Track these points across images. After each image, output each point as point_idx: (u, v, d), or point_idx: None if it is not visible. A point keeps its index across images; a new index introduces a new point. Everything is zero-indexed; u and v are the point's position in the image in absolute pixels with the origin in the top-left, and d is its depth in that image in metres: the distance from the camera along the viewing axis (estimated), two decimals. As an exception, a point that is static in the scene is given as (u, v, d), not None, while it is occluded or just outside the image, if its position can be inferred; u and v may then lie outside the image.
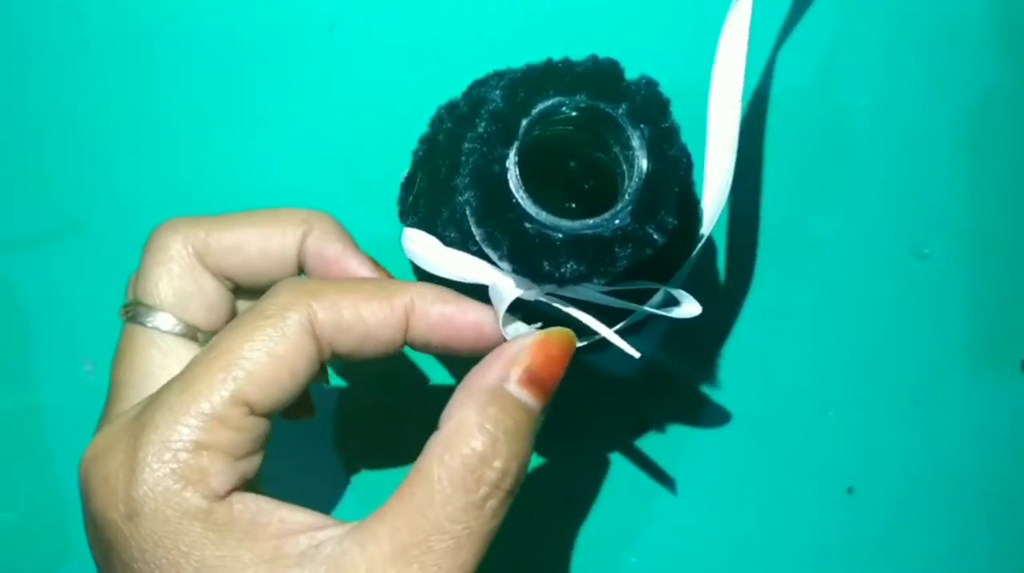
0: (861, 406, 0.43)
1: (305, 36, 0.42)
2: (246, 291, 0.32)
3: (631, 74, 0.28)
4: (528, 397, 0.27)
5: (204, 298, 0.31)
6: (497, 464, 0.26)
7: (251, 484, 0.28)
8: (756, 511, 0.43)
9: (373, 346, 0.29)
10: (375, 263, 0.31)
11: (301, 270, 0.32)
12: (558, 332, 0.28)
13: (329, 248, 0.31)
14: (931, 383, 0.44)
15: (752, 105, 0.42)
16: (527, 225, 0.26)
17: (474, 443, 0.26)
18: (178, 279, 0.30)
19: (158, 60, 0.42)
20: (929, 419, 0.44)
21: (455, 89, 0.32)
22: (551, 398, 0.28)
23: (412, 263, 0.32)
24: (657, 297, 0.31)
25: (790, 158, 0.43)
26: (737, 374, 0.43)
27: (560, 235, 0.26)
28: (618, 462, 0.43)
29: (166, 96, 0.42)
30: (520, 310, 0.29)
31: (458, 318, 0.29)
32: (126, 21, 0.42)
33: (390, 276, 0.32)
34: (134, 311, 0.31)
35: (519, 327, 0.29)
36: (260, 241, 0.31)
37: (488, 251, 0.27)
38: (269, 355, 0.27)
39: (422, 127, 0.33)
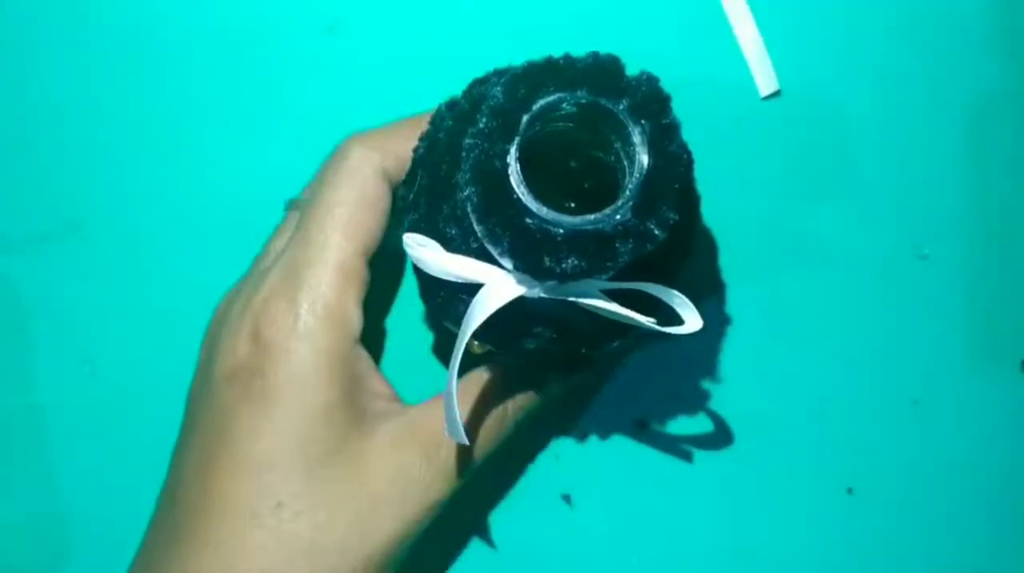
0: (861, 406, 0.43)
1: (305, 36, 0.42)
2: None
3: (632, 71, 0.28)
4: None
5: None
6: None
7: None
8: (756, 511, 0.43)
9: None
10: None
11: None
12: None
13: None
14: (931, 383, 0.43)
15: (752, 105, 0.42)
16: (528, 221, 0.26)
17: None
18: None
19: (158, 60, 0.42)
20: (929, 419, 0.44)
21: (455, 88, 0.32)
22: None
23: (413, 265, 0.32)
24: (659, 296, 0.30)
25: (790, 158, 0.43)
26: (737, 374, 0.43)
27: (561, 230, 0.26)
28: (618, 462, 0.43)
29: (166, 96, 0.42)
30: (522, 313, 0.29)
31: None
32: (126, 21, 0.42)
33: None
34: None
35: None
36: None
37: (489, 247, 0.27)
38: (366, 203, 0.33)
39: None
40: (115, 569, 0.35)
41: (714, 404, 0.43)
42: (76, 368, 0.42)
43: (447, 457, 0.32)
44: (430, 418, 0.33)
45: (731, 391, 0.43)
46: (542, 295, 0.28)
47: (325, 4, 0.41)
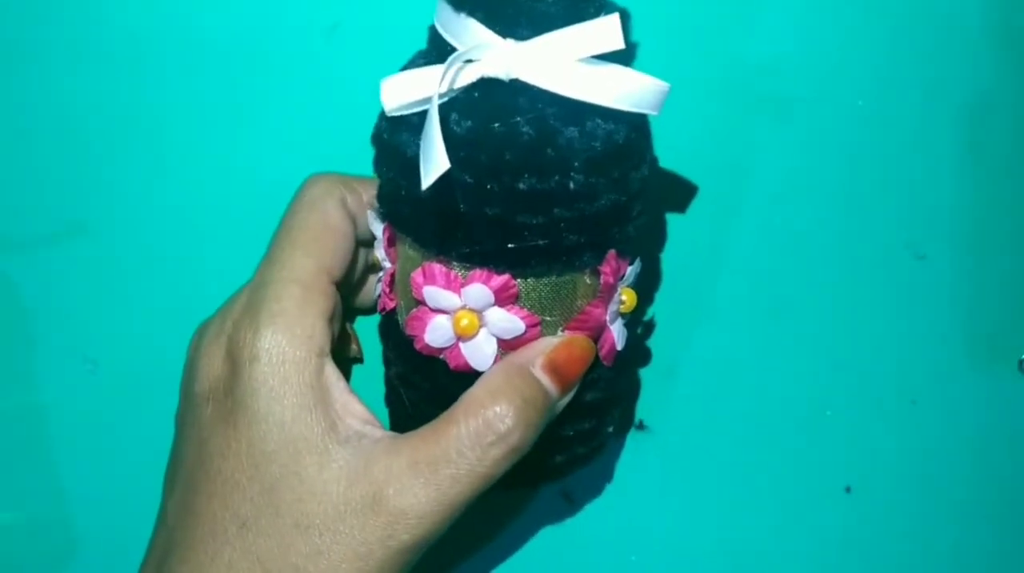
0: (859, 406, 0.44)
1: (307, 38, 0.42)
2: None
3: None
4: (548, 381, 0.32)
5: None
6: (508, 421, 0.31)
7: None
8: (755, 510, 0.43)
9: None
10: None
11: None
12: (583, 339, 0.33)
13: None
14: (929, 383, 0.44)
15: (750, 106, 0.42)
16: None
17: (495, 402, 0.31)
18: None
19: (159, 61, 0.42)
20: (926, 419, 0.44)
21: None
22: (568, 392, 0.33)
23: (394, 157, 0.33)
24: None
25: (788, 159, 0.43)
26: (736, 374, 0.43)
27: None
28: (618, 462, 0.43)
29: (167, 97, 0.42)
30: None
31: None
32: (128, 22, 0.42)
33: None
34: None
35: None
36: None
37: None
38: (327, 227, 0.34)
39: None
40: (118, 567, 0.35)
41: (713, 404, 0.43)
42: (78, 367, 0.43)
43: (396, 505, 0.30)
44: (387, 455, 0.31)
45: (730, 391, 0.43)
46: (510, 74, 0.29)
47: (326, 6, 0.41)
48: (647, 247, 0.43)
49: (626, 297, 0.34)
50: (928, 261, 0.44)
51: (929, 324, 0.44)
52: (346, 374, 0.37)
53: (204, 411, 0.33)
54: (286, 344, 0.32)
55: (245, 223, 0.40)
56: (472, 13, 0.30)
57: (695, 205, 0.43)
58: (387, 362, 0.37)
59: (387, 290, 0.35)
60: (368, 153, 0.41)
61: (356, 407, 0.32)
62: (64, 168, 0.42)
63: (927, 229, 0.43)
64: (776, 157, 0.43)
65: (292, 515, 0.30)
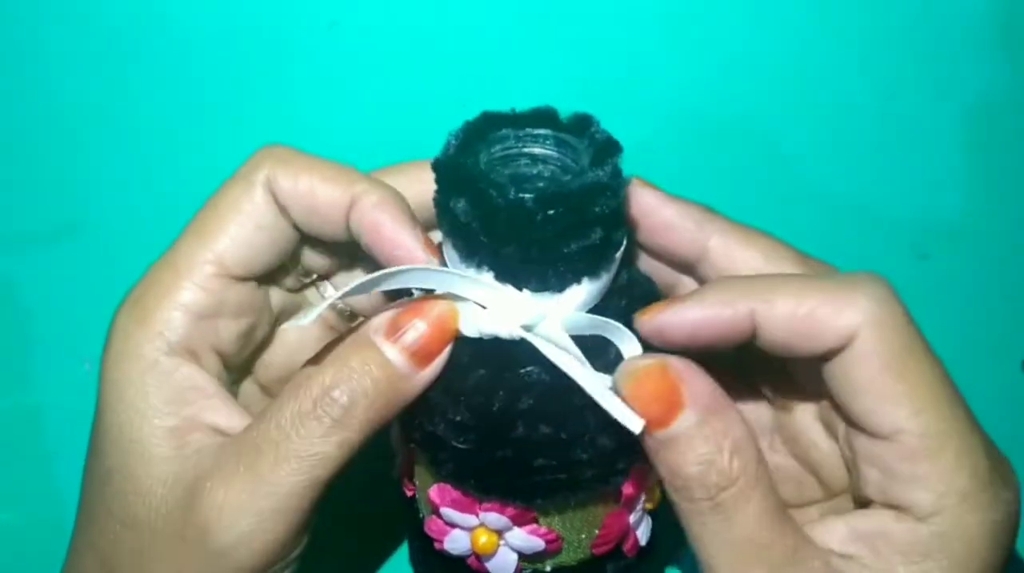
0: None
1: (305, 35, 0.42)
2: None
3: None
4: (389, 348, 0.27)
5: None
6: (324, 382, 0.27)
7: (235, 361, 0.30)
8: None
9: (319, 222, 0.30)
10: (428, 239, 0.29)
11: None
12: (435, 303, 0.27)
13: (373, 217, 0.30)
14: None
15: (751, 104, 0.42)
16: (497, 196, 0.25)
17: (321, 373, 0.27)
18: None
19: (159, 60, 0.42)
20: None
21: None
22: (423, 364, 0.27)
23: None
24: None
25: (790, 158, 0.43)
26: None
27: (531, 196, 0.25)
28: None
29: (166, 95, 0.42)
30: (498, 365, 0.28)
31: (384, 231, 0.29)
32: (126, 21, 0.42)
33: (439, 257, 0.29)
34: None
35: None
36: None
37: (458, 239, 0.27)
38: (237, 212, 0.29)
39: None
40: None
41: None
42: (76, 368, 0.42)
43: (210, 500, 0.26)
44: (215, 452, 0.27)
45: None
46: (517, 333, 0.27)
47: (325, 3, 0.41)
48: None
49: (650, 494, 0.32)
50: (931, 260, 0.43)
51: (931, 324, 0.43)
52: None
53: None
54: (133, 336, 0.28)
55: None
56: (479, 266, 0.27)
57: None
58: (408, 540, 0.35)
59: (406, 477, 0.32)
60: (368, 152, 0.41)
61: (216, 418, 0.29)
62: (63, 168, 0.42)
63: (930, 228, 0.43)
64: (777, 157, 0.43)
65: (119, 512, 0.28)
